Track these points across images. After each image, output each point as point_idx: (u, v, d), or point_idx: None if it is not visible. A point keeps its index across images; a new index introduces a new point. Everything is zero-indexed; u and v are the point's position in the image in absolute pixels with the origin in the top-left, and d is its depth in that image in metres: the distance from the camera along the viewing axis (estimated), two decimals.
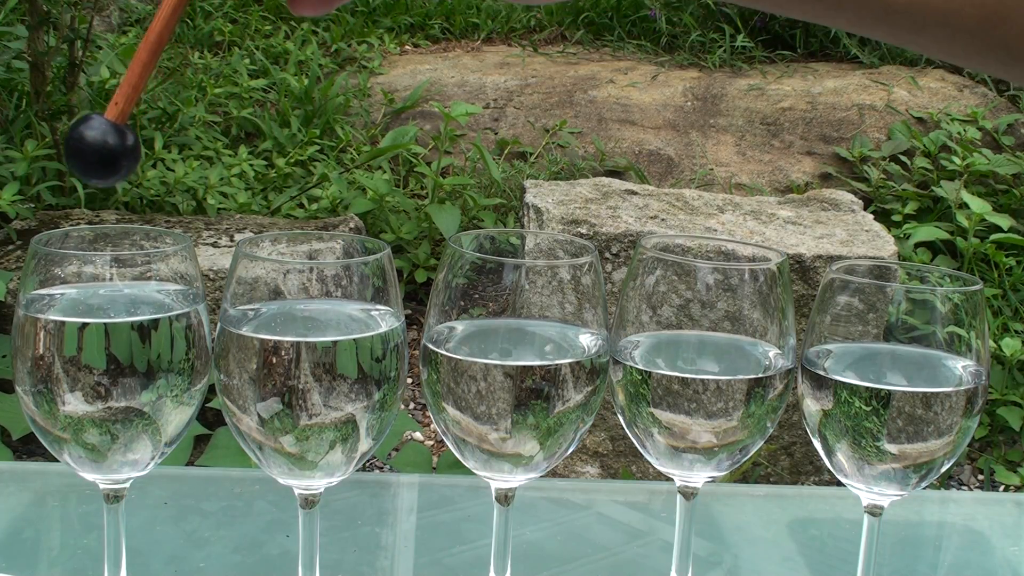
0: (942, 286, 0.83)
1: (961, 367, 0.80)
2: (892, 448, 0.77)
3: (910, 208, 3.57)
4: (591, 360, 0.76)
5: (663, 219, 2.56)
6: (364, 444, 0.74)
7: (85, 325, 0.72)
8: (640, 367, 0.79)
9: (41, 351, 0.72)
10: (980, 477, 2.81)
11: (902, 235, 3.38)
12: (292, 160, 3.67)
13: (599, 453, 2.50)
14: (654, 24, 4.80)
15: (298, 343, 0.71)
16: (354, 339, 0.73)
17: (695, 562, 0.86)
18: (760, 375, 0.78)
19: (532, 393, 0.74)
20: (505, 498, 0.79)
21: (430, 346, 0.77)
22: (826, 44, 4.73)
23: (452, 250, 0.78)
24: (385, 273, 0.75)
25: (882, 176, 3.75)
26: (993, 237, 3.31)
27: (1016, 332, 3.10)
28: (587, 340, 0.78)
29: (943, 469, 0.79)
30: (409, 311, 3.02)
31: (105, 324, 0.72)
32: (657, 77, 4.41)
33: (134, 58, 0.59)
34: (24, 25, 3.34)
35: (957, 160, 3.68)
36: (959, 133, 3.85)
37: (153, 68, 0.59)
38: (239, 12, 4.59)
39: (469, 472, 0.79)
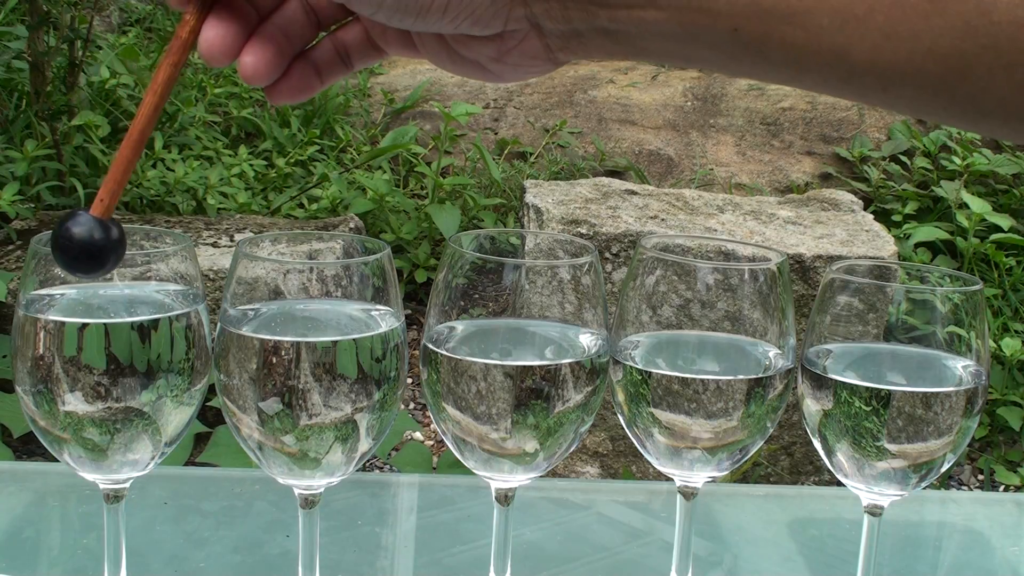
0: (942, 286, 0.83)
1: (961, 367, 0.80)
2: (892, 448, 0.77)
3: (910, 208, 3.57)
4: (591, 360, 0.76)
5: (663, 219, 2.56)
6: (364, 444, 0.74)
7: (85, 325, 0.72)
8: (640, 367, 0.79)
9: (41, 351, 0.72)
10: (980, 477, 2.81)
11: (902, 235, 3.38)
12: (292, 160, 3.67)
13: (599, 453, 2.50)
14: None
15: (298, 343, 0.71)
16: (354, 339, 0.73)
17: (695, 562, 0.86)
18: (760, 375, 0.78)
19: (532, 393, 0.74)
20: (505, 498, 0.79)
21: (430, 346, 0.77)
22: None
23: (452, 250, 0.78)
24: (385, 273, 0.75)
25: (882, 176, 3.75)
26: (993, 237, 3.31)
27: (1016, 332, 3.10)
28: (587, 340, 0.78)
29: (943, 469, 0.79)
30: (409, 311, 3.02)
31: (105, 324, 0.72)
32: (657, 77, 4.41)
33: (117, 155, 0.61)
34: (24, 25, 3.34)
35: (957, 160, 3.68)
36: (959, 133, 3.85)
37: (135, 164, 0.61)
38: None
39: (469, 472, 0.79)
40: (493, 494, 0.79)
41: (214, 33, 0.60)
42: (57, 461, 0.75)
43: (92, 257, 0.60)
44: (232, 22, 0.60)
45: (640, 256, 0.81)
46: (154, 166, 3.34)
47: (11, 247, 2.81)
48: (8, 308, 2.54)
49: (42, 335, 0.72)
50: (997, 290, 3.23)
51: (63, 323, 0.72)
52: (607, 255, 2.44)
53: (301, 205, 3.43)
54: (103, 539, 0.77)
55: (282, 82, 0.64)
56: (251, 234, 2.85)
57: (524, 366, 0.75)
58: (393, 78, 4.34)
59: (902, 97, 0.57)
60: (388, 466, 2.53)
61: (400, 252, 3.22)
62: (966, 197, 3.43)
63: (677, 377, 0.78)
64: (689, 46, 0.59)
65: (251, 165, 3.52)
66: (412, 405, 2.87)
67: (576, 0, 0.59)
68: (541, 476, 0.79)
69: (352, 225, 3.01)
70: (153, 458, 0.75)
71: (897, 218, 3.54)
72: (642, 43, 0.60)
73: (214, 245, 2.77)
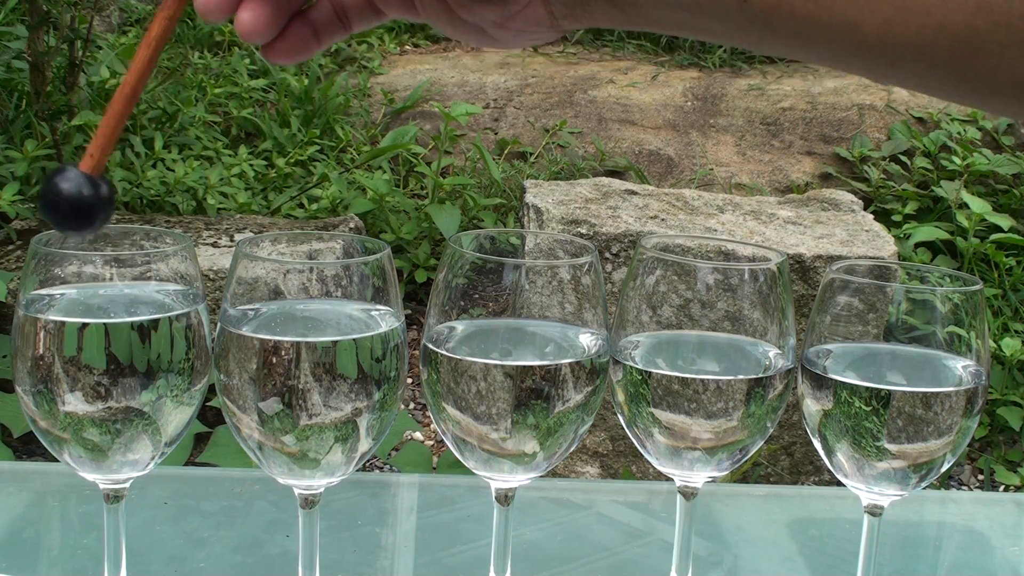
0: (942, 286, 0.83)
1: (961, 367, 0.80)
2: (892, 448, 0.77)
3: (910, 208, 3.57)
4: (591, 360, 0.76)
5: (663, 219, 2.56)
6: (364, 444, 0.74)
7: (85, 325, 0.72)
8: (640, 367, 0.79)
9: (41, 351, 0.72)
10: (980, 477, 2.81)
11: (902, 235, 3.38)
12: (292, 160, 3.67)
13: (599, 453, 2.50)
14: None
15: (298, 343, 0.71)
16: (354, 339, 0.73)
17: (695, 562, 0.86)
18: (760, 375, 0.78)
19: (532, 393, 0.74)
20: (505, 498, 0.79)
21: (430, 346, 0.77)
22: None
23: (452, 250, 0.78)
24: (385, 273, 0.75)
25: (882, 176, 3.75)
26: (993, 237, 3.31)
27: (1016, 332, 3.10)
28: (587, 340, 0.78)
29: (943, 469, 0.79)
30: (409, 311, 3.02)
31: (105, 324, 0.72)
32: (657, 77, 4.41)
33: (108, 110, 0.59)
34: (24, 25, 3.34)
35: (957, 160, 3.68)
36: (959, 133, 3.85)
37: (127, 119, 0.59)
38: None
39: (469, 472, 0.79)
40: (493, 494, 0.79)
41: None
42: (57, 461, 0.75)
43: (80, 214, 0.58)
44: None
45: (640, 256, 0.81)
46: (154, 166, 3.34)
47: (11, 247, 2.81)
48: (8, 308, 2.54)
49: (42, 335, 0.72)
50: (997, 290, 3.23)
51: (63, 323, 0.72)
52: (607, 255, 2.44)
53: (301, 205, 3.43)
54: (103, 539, 0.77)
55: (279, 41, 0.62)
56: (251, 234, 2.85)
57: (524, 366, 0.75)
58: (393, 78, 4.34)
59: (912, 73, 0.56)
60: (388, 466, 2.53)
61: (400, 252, 3.22)
62: (966, 197, 3.43)
63: (677, 377, 0.78)
64: (696, 17, 0.58)
65: (251, 165, 3.52)
66: (412, 405, 2.87)
67: None
68: (541, 476, 0.79)
69: (352, 225, 3.01)
70: (153, 458, 0.75)
71: (897, 218, 3.54)
72: (648, 12, 0.59)
73: (214, 245, 2.77)
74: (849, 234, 2.59)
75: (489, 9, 0.61)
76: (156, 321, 0.73)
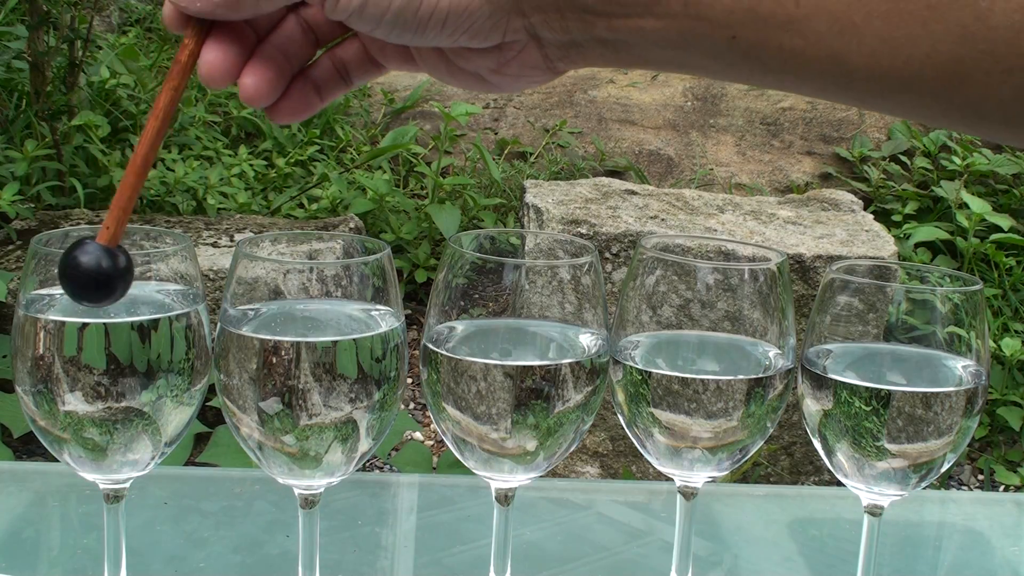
0: (942, 286, 0.83)
1: (961, 367, 0.80)
2: (892, 448, 0.77)
3: (910, 208, 3.58)
4: (591, 360, 0.76)
5: (663, 219, 2.56)
6: (364, 444, 0.74)
7: (85, 325, 0.72)
8: (640, 367, 0.79)
9: (41, 351, 0.72)
10: (980, 477, 2.81)
11: (902, 235, 3.38)
12: (292, 160, 3.67)
13: (599, 453, 2.50)
14: None
15: (298, 343, 0.71)
16: (354, 339, 0.73)
17: (695, 562, 0.86)
18: (760, 375, 0.78)
19: (532, 393, 0.74)
20: (505, 498, 0.79)
21: (430, 346, 0.77)
22: None
23: (452, 250, 0.78)
24: (385, 273, 0.75)
25: (882, 176, 3.75)
26: (993, 237, 3.31)
27: (1016, 332, 3.10)
28: (587, 340, 0.78)
29: (943, 469, 0.79)
30: (409, 311, 3.02)
31: (105, 324, 0.72)
32: (657, 77, 4.41)
33: (122, 182, 0.61)
34: (24, 25, 3.34)
35: (957, 160, 3.68)
36: (959, 133, 3.85)
37: (140, 189, 0.61)
38: None
39: (469, 472, 0.79)
40: (493, 494, 0.79)
41: (213, 56, 0.60)
42: (57, 461, 0.75)
43: (100, 286, 0.60)
44: (231, 44, 0.60)
45: (640, 256, 0.81)
46: (154, 166, 3.34)
47: (11, 247, 2.81)
48: (8, 308, 2.54)
49: (42, 335, 0.72)
50: (997, 290, 3.23)
51: (63, 323, 0.72)
52: (607, 255, 2.44)
53: (301, 205, 3.43)
54: (103, 539, 0.77)
55: (283, 102, 0.64)
56: (251, 234, 2.85)
57: (524, 366, 0.75)
58: (393, 78, 4.34)
59: (901, 103, 0.58)
60: (388, 466, 2.53)
61: (400, 252, 3.22)
62: (966, 197, 3.43)
63: (677, 377, 0.78)
64: (687, 54, 0.59)
65: (251, 165, 3.52)
66: (412, 405, 2.87)
67: (574, 11, 0.59)
68: (541, 476, 0.79)
69: (352, 225, 3.01)
70: (153, 458, 0.75)
71: (897, 218, 3.54)
72: (640, 52, 0.60)
73: (214, 245, 2.77)
74: (849, 234, 2.59)
75: (485, 57, 0.63)
76: (156, 321, 0.73)
